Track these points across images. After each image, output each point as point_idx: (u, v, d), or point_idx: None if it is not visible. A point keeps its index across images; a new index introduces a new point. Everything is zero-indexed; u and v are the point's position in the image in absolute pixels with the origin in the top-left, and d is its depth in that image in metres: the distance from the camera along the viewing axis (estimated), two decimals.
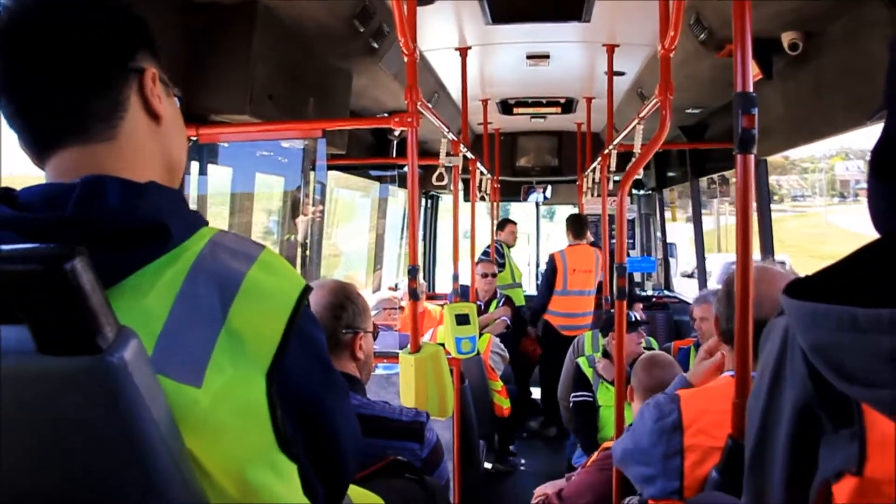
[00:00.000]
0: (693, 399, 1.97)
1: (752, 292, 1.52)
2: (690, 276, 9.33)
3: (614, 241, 7.83)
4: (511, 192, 8.19)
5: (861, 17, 2.80)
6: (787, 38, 3.23)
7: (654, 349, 4.65)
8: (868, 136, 3.30)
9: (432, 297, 7.18)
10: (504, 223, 7.44)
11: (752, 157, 1.53)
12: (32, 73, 0.95)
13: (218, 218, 3.70)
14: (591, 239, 6.80)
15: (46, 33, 0.95)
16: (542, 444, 6.40)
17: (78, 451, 0.75)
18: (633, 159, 2.72)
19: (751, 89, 1.52)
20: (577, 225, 6.61)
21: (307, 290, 0.98)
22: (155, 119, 1.05)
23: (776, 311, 0.89)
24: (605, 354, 4.45)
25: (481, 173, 5.45)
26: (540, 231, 9.21)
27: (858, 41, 2.86)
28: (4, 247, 0.69)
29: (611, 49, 4.26)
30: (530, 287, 8.09)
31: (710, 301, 3.60)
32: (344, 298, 2.09)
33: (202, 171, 3.22)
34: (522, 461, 5.87)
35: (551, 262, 6.54)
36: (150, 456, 0.73)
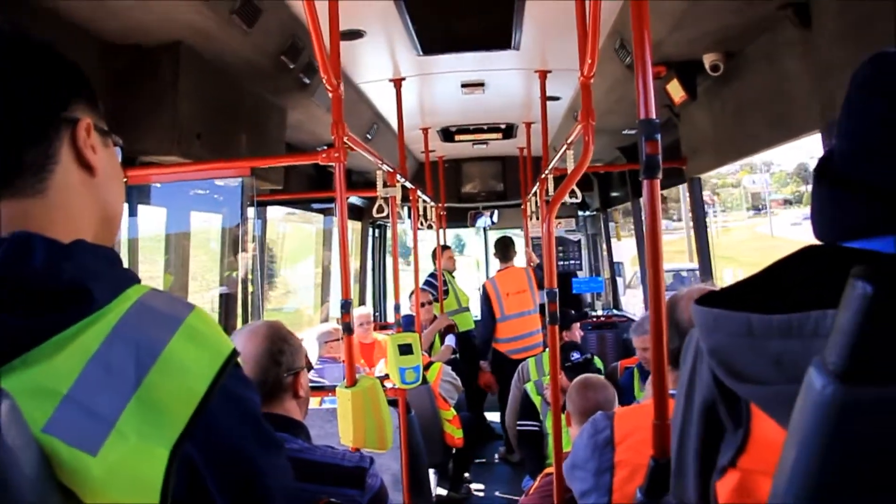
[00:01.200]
0: (627, 416, 2.01)
1: (665, 316, 1.55)
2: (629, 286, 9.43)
3: (564, 262, 7.99)
4: (458, 219, 8.21)
5: (776, 38, 2.89)
6: (708, 59, 3.32)
7: (599, 368, 4.69)
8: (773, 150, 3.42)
9: (384, 326, 7.17)
10: (441, 250, 7.50)
11: (658, 182, 1.56)
12: None
13: (151, 260, 3.66)
14: (535, 262, 6.86)
15: None
16: (503, 470, 6.40)
17: None
18: (562, 182, 2.76)
19: (654, 115, 1.55)
20: (501, 248, 6.68)
21: (233, 354, 0.95)
22: (88, 171, 1.01)
23: None
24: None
25: (425, 201, 5.47)
26: (489, 256, 9.26)
27: (775, 61, 2.94)
28: None
29: (543, 75, 4.32)
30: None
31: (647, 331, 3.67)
32: (280, 341, 2.08)
33: (132, 213, 3.19)
34: (477, 487, 5.86)
35: (483, 291, 6.59)
36: None
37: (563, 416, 2.85)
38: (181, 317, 0.94)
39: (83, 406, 0.82)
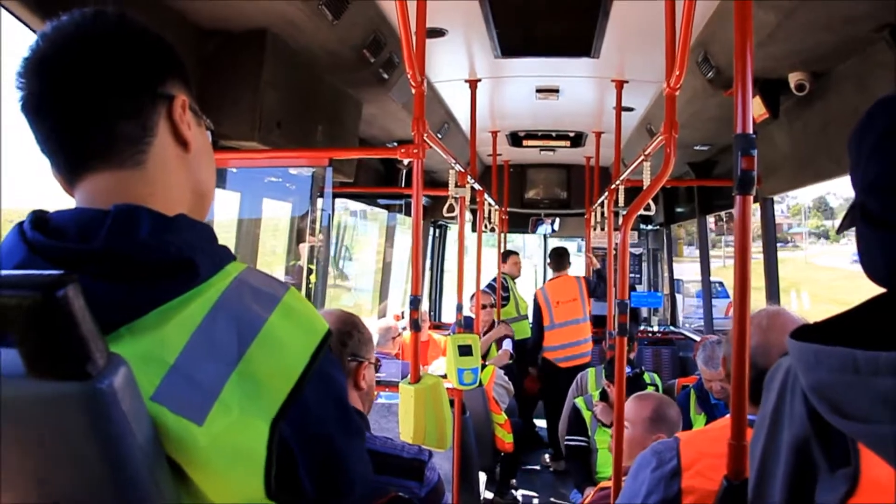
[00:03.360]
0: (692, 441, 1.96)
1: (749, 335, 1.52)
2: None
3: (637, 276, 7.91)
4: (519, 224, 8.19)
5: (868, 59, 2.81)
6: (793, 78, 3.25)
7: (648, 384, 4.63)
8: None
9: (438, 326, 7.18)
10: (507, 254, 7.46)
11: (752, 198, 1.53)
12: (62, 96, 0.95)
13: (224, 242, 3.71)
14: (596, 267, 6.83)
15: (76, 58, 0.95)
16: (548, 477, 6.37)
17: (63, 472, 0.75)
18: (639, 195, 2.72)
19: (751, 131, 1.52)
20: (556, 257, 6.68)
21: (328, 335, 0.97)
22: (184, 146, 1.04)
23: (782, 350, 0.91)
24: (604, 397, 4.41)
25: (489, 204, 5.46)
26: (546, 264, 9.23)
27: (865, 82, 2.87)
28: (0, 273, 0.70)
29: (619, 85, 4.28)
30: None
31: (719, 367, 3.61)
32: (351, 326, 2.10)
33: None
34: (522, 494, 5.84)
35: (534, 300, 6.60)
36: (131, 481, 0.74)
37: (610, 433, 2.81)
38: (278, 295, 0.96)
39: (189, 376, 0.84)
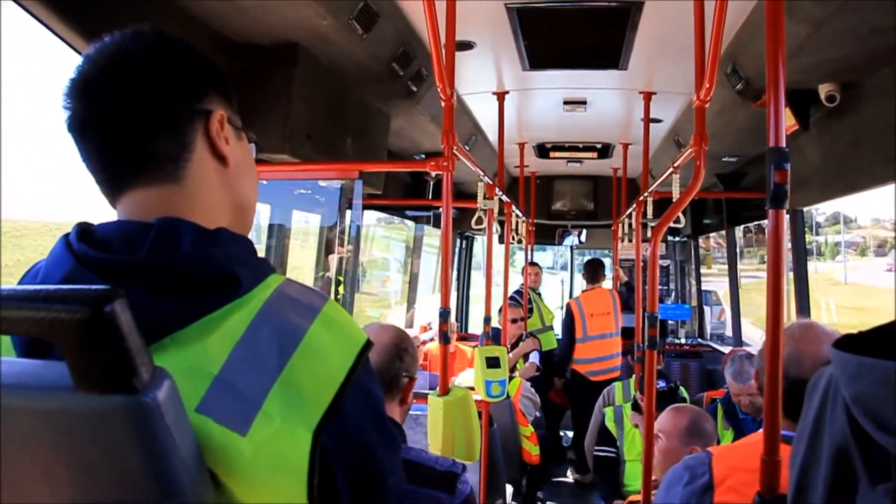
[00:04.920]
0: (725, 456, 1.94)
1: (783, 349, 1.51)
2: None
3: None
4: (546, 236, 8.18)
5: None
6: (824, 89, 3.23)
7: (685, 398, 4.59)
8: None
9: (464, 337, 7.18)
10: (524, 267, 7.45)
11: (784, 211, 1.52)
12: (103, 117, 0.97)
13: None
14: (623, 280, 6.79)
15: (117, 79, 0.97)
16: (574, 490, 6.33)
17: (106, 484, 0.76)
18: (669, 207, 2.71)
19: (784, 144, 1.52)
20: (590, 269, 6.63)
21: (368, 345, 0.98)
22: (222, 161, 1.05)
23: (820, 366, 0.91)
24: (636, 408, 4.38)
25: (516, 216, 5.46)
26: (574, 275, 9.19)
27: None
28: (49, 287, 0.72)
29: (647, 96, 4.28)
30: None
31: (750, 381, 3.58)
32: (407, 343, 2.14)
33: None
34: None
35: (568, 310, 6.55)
36: (174, 494, 0.75)
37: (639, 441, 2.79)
38: (318, 306, 0.97)
39: (232, 387, 0.85)
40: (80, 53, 2.13)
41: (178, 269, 0.90)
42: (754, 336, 7.16)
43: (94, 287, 0.71)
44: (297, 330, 0.92)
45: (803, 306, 4.38)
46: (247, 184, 1.11)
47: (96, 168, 1.01)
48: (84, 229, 0.96)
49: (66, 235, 0.95)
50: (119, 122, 0.98)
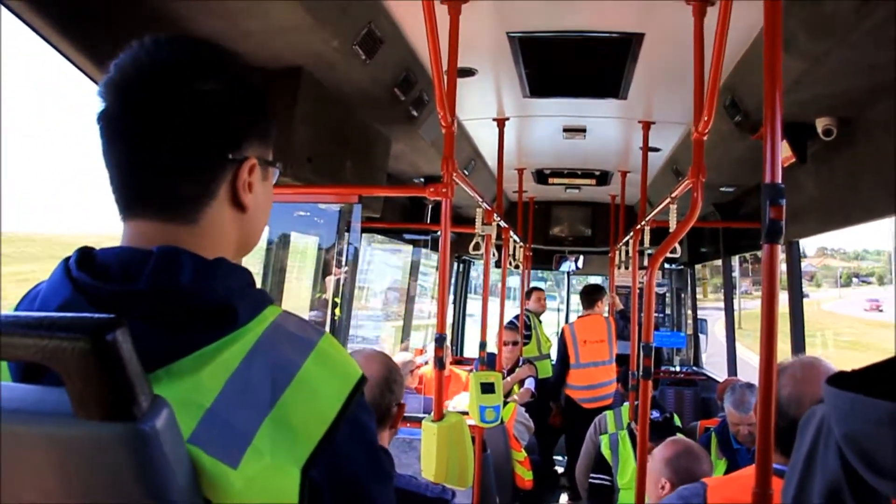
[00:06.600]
0: (719, 488, 1.95)
1: (776, 383, 1.52)
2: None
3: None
4: (543, 261, 8.18)
5: None
6: (821, 123, 3.25)
7: (678, 426, 4.57)
8: None
9: (459, 361, 7.16)
10: (531, 291, 7.42)
11: (779, 246, 1.53)
12: (128, 142, 0.96)
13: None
14: (619, 308, 6.77)
15: (152, 101, 0.95)
16: None
17: None
18: (667, 237, 2.73)
19: (780, 179, 1.53)
20: (588, 294, 6.59)
21: (362, 381, 0.98)
22: (240, 209, 1.04)
23: (815, 402, 0.90)
24: (633, 437, 4.36)
25: (514, 241, 5.47)
26: (570, 300, 9.19)
27: (894, 129, 2.86)
28: (52, 314, 0.72)
29: (646, 126, 4.30)
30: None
31: (751, 411, 3.56)
32: (394, 371, 2.15)
33: None
34: None
35: (561, 336, 6.52)
36: None
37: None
38: (313, 340, 0.97)
39: (224, 420, 0.85)
40: (87, 75, 2.15)
41: (177, 302, 0.90)
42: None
43: (96, 315, 0.72)
44: (291, 365, 0.92)
45: (798, 342, 4.36)
46: (259, 225, 1.11)
47: (112, 187, 1.00)
48: (85, 254, 0.96)
49: (67, 260, 0.95)
50: (142, 158, 0.97)
